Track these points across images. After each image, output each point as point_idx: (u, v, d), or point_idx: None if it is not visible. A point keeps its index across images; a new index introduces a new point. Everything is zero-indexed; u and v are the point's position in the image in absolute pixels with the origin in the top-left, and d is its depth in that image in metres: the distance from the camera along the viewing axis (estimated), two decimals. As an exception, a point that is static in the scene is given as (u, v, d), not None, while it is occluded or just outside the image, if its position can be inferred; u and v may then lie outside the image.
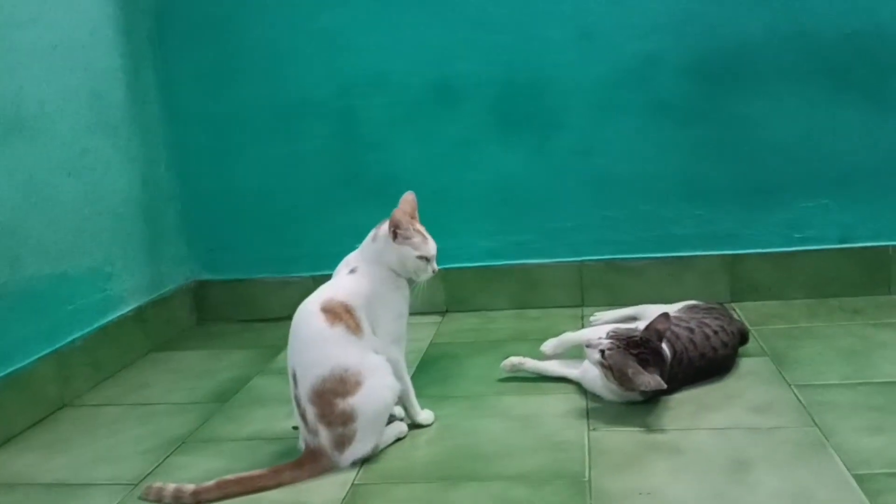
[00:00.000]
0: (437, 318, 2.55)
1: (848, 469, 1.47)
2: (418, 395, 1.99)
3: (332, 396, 1.61)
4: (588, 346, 1.83)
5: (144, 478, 1.67)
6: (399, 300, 1.77)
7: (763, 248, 2.53)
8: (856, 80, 2.41)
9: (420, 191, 2.45)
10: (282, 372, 2.21)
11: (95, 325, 2.29)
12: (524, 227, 2.63)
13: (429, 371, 2.18)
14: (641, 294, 2.48)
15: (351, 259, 1.81)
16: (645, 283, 2.57)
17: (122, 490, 1.63)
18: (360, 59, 2.60)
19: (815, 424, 1.66)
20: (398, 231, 1.72)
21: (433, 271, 1.77)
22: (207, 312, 2.83)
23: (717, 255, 2.55)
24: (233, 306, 2.81)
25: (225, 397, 2.10)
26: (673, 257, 2.57)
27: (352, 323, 1.66)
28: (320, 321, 1.64)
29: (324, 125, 2.66)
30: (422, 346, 2.37)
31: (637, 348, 1.76)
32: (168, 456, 1.77)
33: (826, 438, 1.60)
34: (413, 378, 2.10)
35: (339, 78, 2.62)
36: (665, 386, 1.71)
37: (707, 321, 1.97)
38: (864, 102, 2.41)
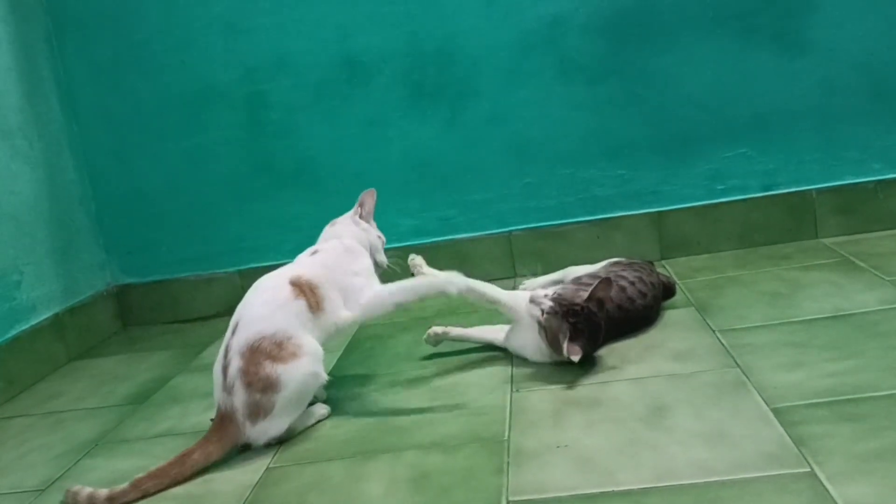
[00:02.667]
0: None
1: (767, 404, 1.45)
2: (344, 377, 1.95)
3: (263, 357, 1.56)
4: (532, 300, 1.80)
5: (52, 483, 1.60)
6: (359, 260, 1.82)
7: (687, 202, 2.51)
8: (763, 23, 2.39)
9: (336, 174, 2.41)
10: (203, 369, 2.16)
11: (5, 337, 2.20)
12: (447, 202, 2.58)
13: (354, 353, 2.12)
14: (573, 258, 2.43)
15: (314, 247, 1.86)
16: (575, 247, 2.54)
17: (26, 497, 1.56)
18: (262, 42, 2.53)
19: (737, 366, 1.64)
20: (362, 208, 1.92)
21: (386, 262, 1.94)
22: (132, 317, 2.75)
23: (643, 214, 2.53)
24: (158, 309, 2.72)
25: (142, 399, 2.02)
26: (599, 219, 2.54)
27: (313, 301, 1.66)
28: (287, 289, 1.65)
29: (231, 113, 2.58)
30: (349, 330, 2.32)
31: (575, 317, 1.72)
32: (79, 460, 1.70)
33: (747, 377, 1.57)
34: (339, 360, 2.08)
35: (242, 63, 2.55)
36: (576, 360, 1.67)
37: (624, 273, 1.94)
38: (774, 46, 2.40)
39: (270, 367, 1.55)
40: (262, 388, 1.55)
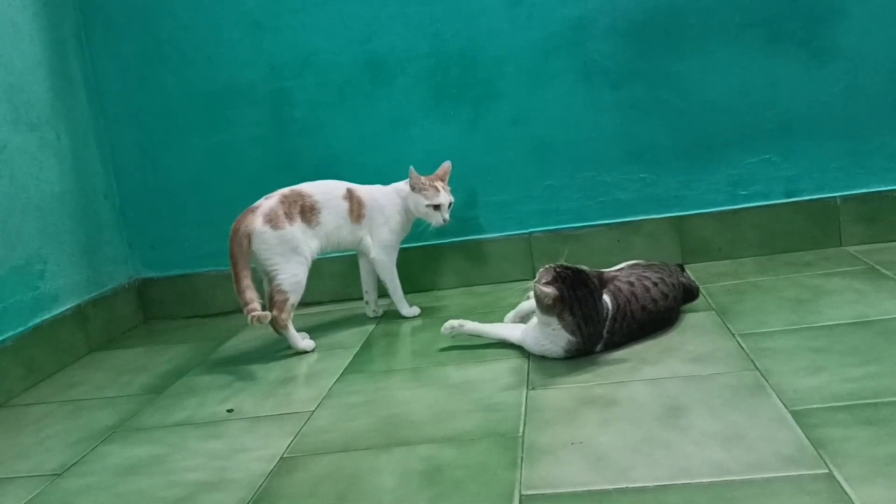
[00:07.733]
0: (387, 301, 2.49)
1: (786, 407, 1.43)
2: (360, 372, 1.96)
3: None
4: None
5: (69, 468, 1.61)
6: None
7: (709, 207, 2.50)
8: (789, 30, 2.38)
9: (358, 172, 2.43)
10: (222, 363, 2.19)
11: (28, 325, 2.22)
12: (467, 203, 2.58)
13: (372, 349, 2.13)
14: (592, 262, 2.37)
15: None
16: (594, 250, 2.53)
17: (43, 481, 1.56)
18: (288, 41, 2.55)
19: (756, 369, 1.62)
20: (412, 184, 2.26)
21: (444, 220, 2.26)
22: (153, 310, 2.77)
23: (664, 218, 2.52)
24: (178, 303, 2.75)
25: (159, 389, 2.03)
26: (620, 223, 2.54)
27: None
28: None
29: (255, 111, 2.61)
30: (368, 327, 2.33)
31: (562, 269, 1.75)
32: (96, 446, 1.71)
33: (766, 380, 1.56)
34: (357, 356, 2.08)
35: (268, 61, 2.57)
36: (550, 294, 1.70)
37: (647, 274, 1.93)
38: (800, 52, 2.39)
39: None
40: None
